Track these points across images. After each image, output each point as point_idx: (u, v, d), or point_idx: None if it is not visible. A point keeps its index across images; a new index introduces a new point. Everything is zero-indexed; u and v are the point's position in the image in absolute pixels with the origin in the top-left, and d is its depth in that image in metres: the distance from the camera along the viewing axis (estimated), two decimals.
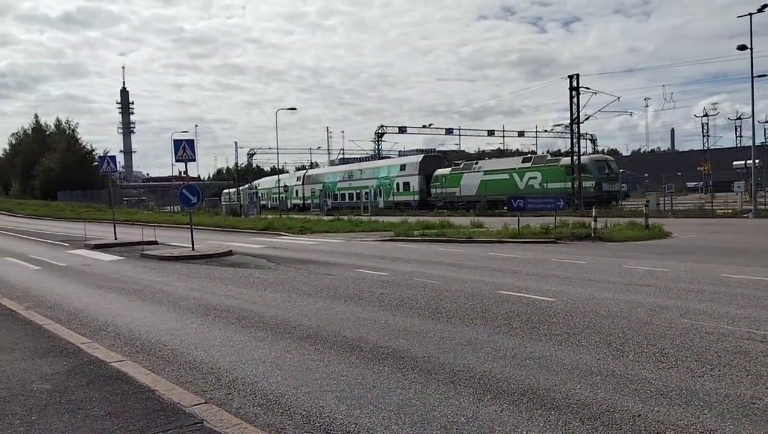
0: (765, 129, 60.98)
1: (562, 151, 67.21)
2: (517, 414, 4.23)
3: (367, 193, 56.80)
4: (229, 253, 16.99)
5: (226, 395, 4.83)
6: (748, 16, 29.67)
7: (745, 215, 29.04)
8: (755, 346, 5.75)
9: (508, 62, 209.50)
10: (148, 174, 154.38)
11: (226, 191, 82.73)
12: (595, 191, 38.68)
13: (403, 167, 54.33)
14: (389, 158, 71.63)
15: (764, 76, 36.87)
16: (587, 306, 7.97)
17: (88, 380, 5.10)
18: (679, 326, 6.69)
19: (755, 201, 29.29)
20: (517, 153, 79.62)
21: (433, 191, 50.12)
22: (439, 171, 50.82)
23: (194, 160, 17.58)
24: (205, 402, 4.54)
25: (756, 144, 30.58)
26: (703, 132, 72.26)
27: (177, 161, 17.67)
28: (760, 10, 29.52)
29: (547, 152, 43.91)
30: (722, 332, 6.34)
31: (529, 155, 49.48)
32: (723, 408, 4.20)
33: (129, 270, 13.94)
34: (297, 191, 68.79)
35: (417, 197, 51.31)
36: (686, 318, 7.05)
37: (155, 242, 20.90)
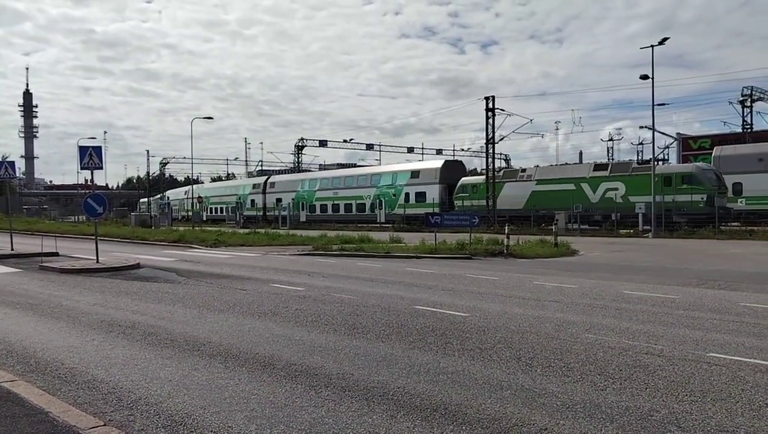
0: (664, 154, 65.34)
1: (478, 169, 67.65)
2: (429, 430, 4.23)
3: (360, 204, 49.62)
4: (137, 266, 16.27)
5: (128, 416, 4.57)
6: (650, 48, 31.78)
7: (646, 235, 30.86)
8: (653, 360, 6.06)
9: (428, 81, 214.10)
10: (51, 181, 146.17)
11: (143, 200, 79.27)
12: (705, 207, 31.58)
13: (415, 174, 46.51)
14: (393, 163, 61.91)
15: (664, 105, 39.78)
16: (499, 321, 8.17)
17: None
18: (584, 341, 6.96)
19: (654, 222, 31.17)
20: None
21: (457, 203, 42.73)
22: (467, 180, 43.91)
23: (101, 168, 16.75)
24: (104, 425, 4.28)
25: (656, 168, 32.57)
26: (608, 155, 76.46)
27: (83, 168, 16.76)
28: (660, 43, 31.70)
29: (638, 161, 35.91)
30: (623, 346, 6.65)
31: (604, 162, 42.00)
32: (623, 420, 4.38)
33: (25, 283, 13.05)
34: (254, 201, 60.76)
35: (437, 210, 41.36)
36: (591, 333, 7.36)
37: (56, 254, 19.73)
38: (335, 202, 52.01)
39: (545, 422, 4.35)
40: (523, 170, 41.68)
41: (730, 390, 5.06)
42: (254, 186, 62.48)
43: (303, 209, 54.45)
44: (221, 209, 66.89)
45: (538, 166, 41.08)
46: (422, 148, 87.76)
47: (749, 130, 51.59)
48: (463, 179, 44.00)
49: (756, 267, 15.22)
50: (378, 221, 47.28)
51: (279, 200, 57.03)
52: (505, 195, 40.28)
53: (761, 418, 4.40)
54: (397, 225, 41.58)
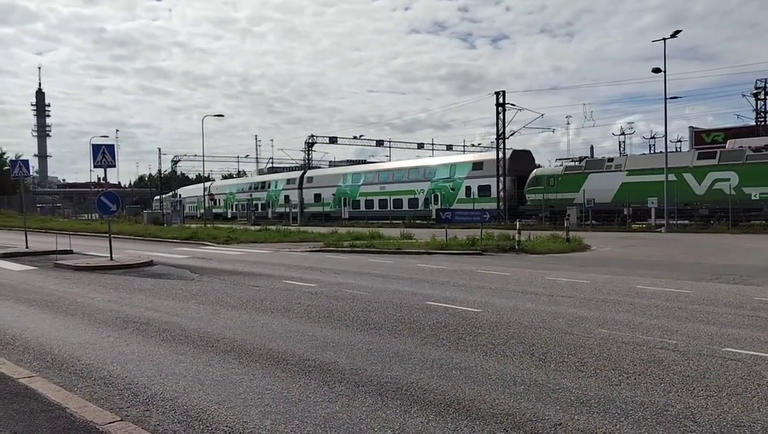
0: (676, 148, 64.83)
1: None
2: (443, 425, 4.24)
3: (412, 200, 46.20)
4: (150, 263, 16.38)
5: (144, 412, 4.61)
6: (662, 41, 31.52)
7: (658, 230, 30.66)
8: (668, 355, 6.03)
9: (438, 76, 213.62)
10: (64, 180, 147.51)
11: (158, 198, 79.34)
12: None
13: (478, 166, 42.73)
14: (448, 154, 59.30)
15: (677, 98, 39.37)
16: (512, 317, 8.15)
17: None
18: (598, 336, 6.93)
19: (667, 216, 30.94)
20: None
21: (530, 197, 38.98)
22: (542, 171, 40.27)
23: (114, 166, 16.87)
24: (121, 420, 4.31)
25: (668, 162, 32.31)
26: (620, 150, 75.98)
27: (95, 166, 16.90)
28: (673, 36, 31.45)
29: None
30: (637, 341, 6.62)
31: (710, 149, 36.59)
32: (639, 415, 4.37)
33: (41, 281, 13.18)
34: (288, 197, 57.60)
35: (497, 205, 39.70)
36: (604, 328, 7.33)
37: (70, 252, 19.90)
38: (383, 197, 48.53)
39: (559, 417, 4.34)
40: (610, 160, 37.60)
41: (747, 385, 5.02)
42: (288, 181, 59.52)
43: (345, 205, 51.16)
44: (256, 205, 63.47)
45: (626, 155, 38.40)
46: (432, 144, 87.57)
47: (762, 123, 51.07)
48: (537, 170, 40.01)
49: None
50: (433, 217, 42.67)
51: (318, 196, 54.00)
52: (589, 188, 36.09)
53: None
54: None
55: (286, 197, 58.00)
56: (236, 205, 66.29)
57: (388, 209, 47.14)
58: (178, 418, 4.46)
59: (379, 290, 10.92)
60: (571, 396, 4.81)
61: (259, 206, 61.18)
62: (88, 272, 14.73)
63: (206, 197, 64.97)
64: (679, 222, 31.92)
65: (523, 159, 42.69)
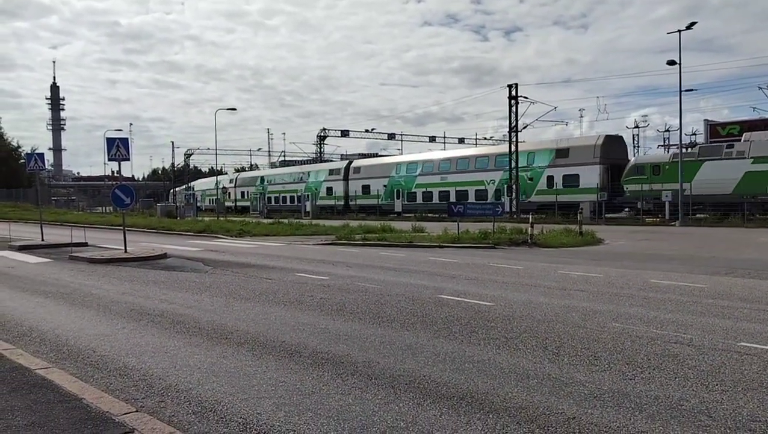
0: (691, 141, 64.24)
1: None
2: (456, 418, 4.24)
3: (480, 192, 41.45)
4: (164, 256, 16.49)
5: (159, 403, 4.66)
6: (677, 33, 31.16)
7: (672, 224, 30.41)
8: (682, 349, 5.99)
9: (450, 69, 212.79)
10: (78, 173, 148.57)
11: (179, 189, 79.12)
12: None
13: (562, 153, 37.74)
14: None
15: (692, 90, 38.92)
16: (524, 311, 8.13)
17: (11, 388, 4.81)
18: (612, 330, 6.90)
19: (681, 210, 30.67)
20: None
21: (629, 188, 34.54)
22: (643, 159, 35.65)
23: (128, 159, 16.99)
24: (137, 411, 4.36)
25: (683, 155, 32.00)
26: (634, 143, 75.43)
27: (110, 160, 17.01)
28: (688, 27, 31.07)
29: None
30: (651, 336, 6.58)
31: None
32: (653, 409, 4.34)
33: (56, 273, 13.32)
34: (331, 189, 53.69)
35: (597, 197, 34.85)
36: (618, 322, 7.29)
37: (85, 244, 20.08)
38: (444, 189, 43.74)
39: (573, 411, 4.33)
40: (730, 146, 32.31)
41: (762, 380, 4.98)
42: (331, 172, 55.35)
43: (399, 198, 46.97)
44: (282, 198, 60.46)
45: (750, 140, 31.58)
46: (444, 137, 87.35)
47: None
48: (638, 157, 35.93)
49: None
50: (507, 210, 37.71)
51: (366, 188, 50.18)
52: (703, 178, 31.78)
53: None
54: (537, 215, 33.35)
55: (329, 189, 54.07)
56: (279, 198, 61.89)
57: (452, 201, 41.05)
58: (192, 409, 4.50)
59: (391, 283, 10.93)
60: (585, 390, 4.79)
61: (294, 199, 57.97)
62: (103, 265, 14.86)
63: (232, 190, 63.96)
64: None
65: (616, 146, 37.77)
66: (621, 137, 40.54)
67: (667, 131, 75.30)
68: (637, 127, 77.38)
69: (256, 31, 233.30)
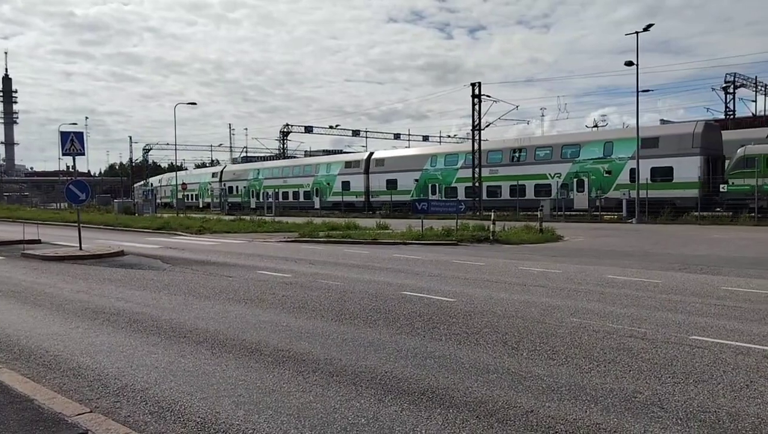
0: None
1: None
2: (417, 413, 4.26)
3: (542, 186, 36.42)
4: (121, 253, 16.14)
5: (114, 403, 4.55)
6: (635, 34, 31.86)
7: (629, 221, 31.13)
8: (637, 343, 6.14)
9: (416, 66, 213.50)
10: (32, 168, 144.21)
11: (154, 178, 75.98)
12: None
13: (650, 143, 32.36)
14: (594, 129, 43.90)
15: (648, 91, 39.92)
16: (485, 306, 8.22)
17: None
18: (569, 325, 7.03)
19: (638, 208, 31.41)
20: None
21: (735, 181, 29.26)
22: (754, 149, 29.10)
23: (83, 154, 16.54)
24: (91, 411, 4.25)
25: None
26: None
27: (64, 154, 16.56)
28: (645, 29, 31.79)
29: None
30: (608, 330, 6.73)
31: None
32: (608, 402, 4.44)
33: (7, 271, 12.89)
34: (347, 184, 48.87)
35: (696, 192, 30.30)
36: (576, 317, 7.43)
37: (38, 241, 19.51)
38: (494, 183, 39.26)
39: (531, 404, 4.39)
40: None
41: (712, 372, 5.14)
42: (348, 164, 50.40)
43: (435, 193, 41.85)
44: (283, 194, 54.64)
45: None
46: (408, 134, 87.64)
47: (732, 116, 52.12)
48: (748, 147, 29.69)
49: (737, 252, 15.43)
50: (575, 207, 34.34)
51: (392, 182, 45.30)
52: None
53: (742, 399, 4.48)
54: (617, 214, 31.10)
55: (345, 184, 48.90)
56: (263, 193, 56.12)
57: (500, 197, 37.67)
58: (149, 409, 4.41)
59: (355, 280, 10.92)
60: (543, 383, 4.87)
61: (299, 195, 53.33)
62: (57, 262, 14.47)
63: (218, 184, 60.87)
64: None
65: (714, 134, 32.82)
66: (718, 126, 35.45)
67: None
68: (596, 126, 78.96)
69: (218, 24, 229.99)
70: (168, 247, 18.56)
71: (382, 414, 4.24)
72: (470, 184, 39.87)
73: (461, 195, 39.85)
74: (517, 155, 38.88)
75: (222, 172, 65.95)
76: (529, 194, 36.89)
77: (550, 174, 36.55)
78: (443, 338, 6.44)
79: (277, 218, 33.91)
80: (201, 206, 64.47)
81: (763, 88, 56.28)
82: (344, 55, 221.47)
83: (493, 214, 21.39)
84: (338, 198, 48.31)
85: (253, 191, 58.07)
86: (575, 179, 35.12)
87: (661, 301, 8.52)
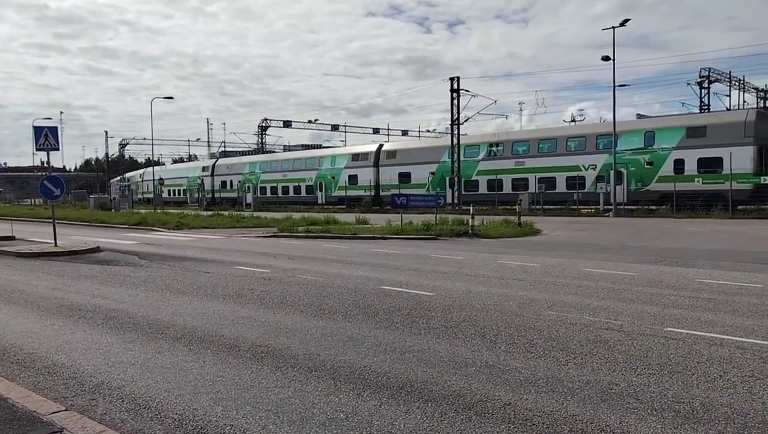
0: None
1: None
2: (395, 407, 4.27)
3: (574, 178, 34.33)
4: (97, 249, 15.93)
5: (90, 401, 4.50)
6: (612, 29, 32.17)
7: (606, 214, 31.49)
8: (613, 335, 6.22)
9: (395, 61, 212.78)
10: (5, 163, 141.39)
11: (134, 174, 73.85)
12: None
13: (696, 131, 30.65)
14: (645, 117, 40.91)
15: (625, 86, 40.25)
16: (464, 300, 8.26)
17: None
18: (547, 318, 7.10)
19: (615, 201, 31.79)
20: None
21: None
22: None
23: (57, 149, 16.30)
24: (66, 409, 4.20)
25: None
26: None
27: (38, 150, 16.31)
28: (622, 24, 32.15)
29: None
30: (585, 323, 6.81)
31: None
32: (584, 394, 4.50)
33: None
34: (354, 177, 46.27)
35: (749, 185, 28.64)
36: (553, 310, 7.50)
37: (12, 238, 19.15)
38: (519, 176, 36.75)
39: (509, 397, 4.43)
40: None
41: (686, 363, 5.23)
42: (355, 157, 47.95)
43: (453, 186, 39.85)
44: (283, 188, 52.55)
45: None
46: (388, 129, 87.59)
47: (707, 110, 52.88)
48: None
49: (712, 244, 15.70)
50: (612, 201, 31.82)
51: (405, 176, 43.13)
52: None
53: (715, 389, 4.56)
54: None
55: (353, 177, 46.83)
56: (260, 188, 54.63)
57: (529, 190, 35.62)
58: (125, 407, 4.36)
59: (334, 275, 10.90)
60: (521, 376, 4.91)
61: (301, 189, 51.36)
62: (32, 259, 14.24)
63: (210, 179, 59.06)
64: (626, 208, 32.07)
65: (767, 123, 30.65)
66: None
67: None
68: (573, 121, 79.64)
69: (195, 17, 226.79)
70: (145, 243, 18.36)
71: (361, 409, 4.25)
72: (493, 177, 37.84)
73: (483, 189, 38.17)
74: (544, 145, 36.60)
75: (214, 165, 63.48)
76: (560, 186, 35.07)
77: (583, 166, 34.48)
78: (422, 332, 6.46)
79: (255, 214, 33.70)
80: (189, 201, 61.90)
81: (737, 83, 57.20)
82: (323, 49, 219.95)
83: (471, 208, 21.48)
84: (344, 192, 46.41)
85: (249, 186, 56.01)
86: (611, 171, 32.58)
87: (637, 293, 8.64)
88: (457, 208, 36.43)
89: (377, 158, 46.25)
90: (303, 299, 8.53)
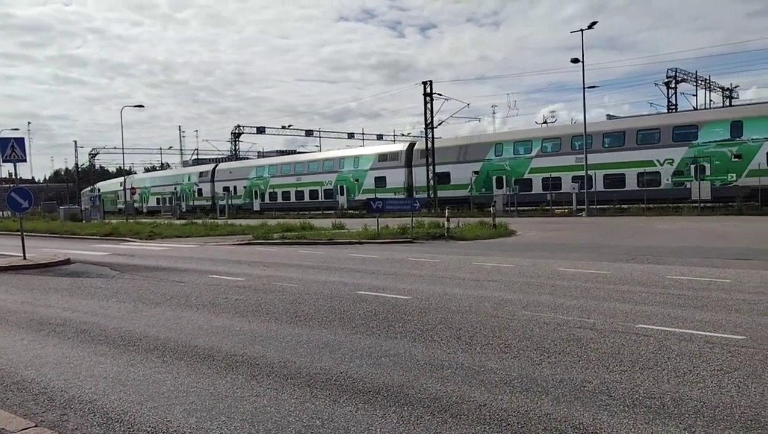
0: None
1: None
2: (371, 412, 4.27)
3: (646, 175, 31.61)
4: (67, 261, 15.64)
5: (61, 416, 4.41)
6: (580, 32, 32.67)
7: (579, 214, 31.90)
8: (586, 334, 6.30)
9: (368, 65, 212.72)
10: None
11: (92, 187, 72.62)
12: None
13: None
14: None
15: (594, 87, 40.99)
16: (440, 303, 8.29)
17: None
18: (521, 318, 7.16)
19: (587, 201, 32.22)
20: None
21: None
22: None
23: (24, 160, 15.98)
24: (36, 425, 4.12)
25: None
26: None
27: (4, 161, 15.97)
28: (590, 27, 32.68)
29: None
30: (558, 322, 6.88)
31: None
32: (558, 392, 4.54)
33: None
34: (382, 179, 43.13)
35: None
36: (527, 310, 7.57)
37: None
38: (580, 173, 33.27)
39: (484, 398, 4.46)
40: None
41: (657, 359, 5.31)
42: (382, 157, 44.72)
43: (501, 187, 37.00)
44: (297, 193, 49.01)
45: None
46: (363, 133, 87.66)
47: (675, 110, 53.91)
48: None
49: (681, 241, 16.00)
50: (692, 197, 29.41)
51: (445, 176, 40.59)
52: None
53: (686, 384, 4.65)
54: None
55: (380, 179, 43.48)
56: (269, 193, 50.82)
57: (594, 189, 32.34)
58: (97, 421, 4.29)
59: (310, 281, 10.86)
60: (496, 377, 4.95)
61: (318, 194, 48.08)
62: (0, 273, 13.92)
63: (209, 185, 56.85)
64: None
65: None
66: None
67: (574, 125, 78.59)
68: (545, 122, 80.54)
69: (165, 24, 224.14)
70: (116, 254, 18.09)
71: (337, 415, 4.24)
72: (548, 175, 34.96)
73: (537, 188, 35.22)
74: (613, 139, 33.69)
75: (214, 171, 60.13)
76: (631, 184, 32.11)
77: (658, 161, 31.29)
78: (398, 336, 6.47)
79: (230, 221, 33.41)
80: (185, 209, 57.33)
81: (702, 83, 58.43)
82: (295, 54, 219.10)
83: (447, 211, 21.59)
84: (370, 195, 40.63)
85: (256, 192, 52.63)
86: (689, 167, 29.90)
87: (609, 292, 8.76)
88: (433, 211, 36.57)
89: (409, 158, 42.97)
90: (278, 306, 8.48)
